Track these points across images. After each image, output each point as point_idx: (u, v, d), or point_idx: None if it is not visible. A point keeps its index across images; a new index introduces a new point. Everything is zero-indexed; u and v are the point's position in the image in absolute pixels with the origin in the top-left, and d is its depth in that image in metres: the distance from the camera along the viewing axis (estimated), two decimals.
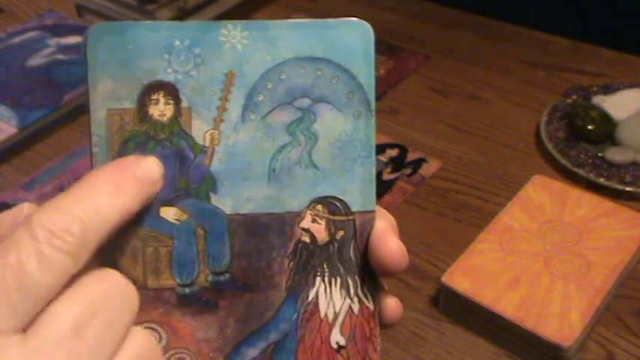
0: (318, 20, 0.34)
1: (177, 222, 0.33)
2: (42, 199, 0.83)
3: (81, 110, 0.97)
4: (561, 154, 0.84)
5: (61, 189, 0.85)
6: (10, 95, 0.98)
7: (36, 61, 1.04)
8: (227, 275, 0.33)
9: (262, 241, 0.33)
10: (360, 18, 0.34)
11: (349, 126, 0.33)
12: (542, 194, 0.76)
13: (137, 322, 0.30)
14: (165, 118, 0.32)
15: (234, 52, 0.33)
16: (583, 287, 0.66)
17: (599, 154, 0.83)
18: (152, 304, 0.33)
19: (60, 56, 1.04)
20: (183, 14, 1.07)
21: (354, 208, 0.34)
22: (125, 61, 0.32)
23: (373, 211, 0.34)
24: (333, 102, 0.33)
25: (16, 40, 1.09)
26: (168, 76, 0.32)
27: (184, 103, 0.32)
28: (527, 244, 0.70)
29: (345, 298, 0.34)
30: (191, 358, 0.33)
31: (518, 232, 0.72)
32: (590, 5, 1.11)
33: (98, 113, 0.32)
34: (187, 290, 0.33)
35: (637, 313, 0.69)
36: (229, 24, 0.33)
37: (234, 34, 0.33)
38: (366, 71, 0.33)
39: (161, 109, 0.32)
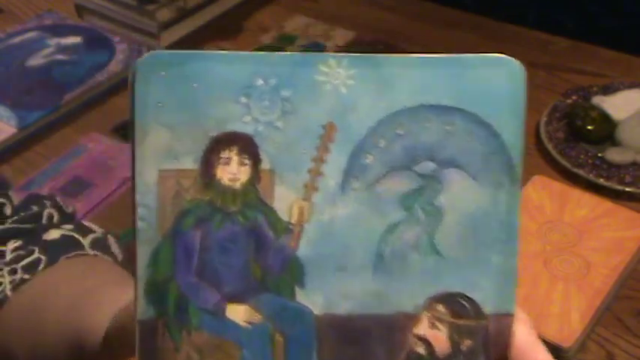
0: (450, 56, 0.27)
1: (248, 325, 0.26)
2: None
3: (81, 110, 0.97)
4: (561, 154, 0.84)
5: (58, 190, 0.85)
6: (10, 95, 0.98)
7: (35, 61, 1.04)
8: None
9: (362, 353, 0.26)
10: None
11: (486, 200, 0.26)
12: (542, 194, 0.76)
13: None
14: (238, 184, 0.25)
15: (336, 96, 0.25)
16: (583, 288, 0.66)
17: (599, 155, 0.83)
18: None
19: (59, 56, 1.04)
20: (183, 15, 1.07)
21: (487, 309, 0.26)
22: (187, 105, 0.25)
23: (512, 315, 0.27)
24: (467, 167, 0.26)
25: (16, 40, 1.09)
26: (246, 127, 0.25)
27: (265, 164, 0.25)
28: (527, 244, 0.70)
29: None
30: None
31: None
32: (590, 5, 1.11)
33: (146, 175, 0.25)
34: None
35: (637, 314, 0.69)
36: (331, 58, 0.25)
37: (337, 72, 0.25)
38: (512, 126, 0.26)
39: (234, 171, 0.25)
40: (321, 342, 0.26)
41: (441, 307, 0.26)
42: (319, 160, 0.25)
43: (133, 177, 0.25)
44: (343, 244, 0.26)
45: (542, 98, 0.94)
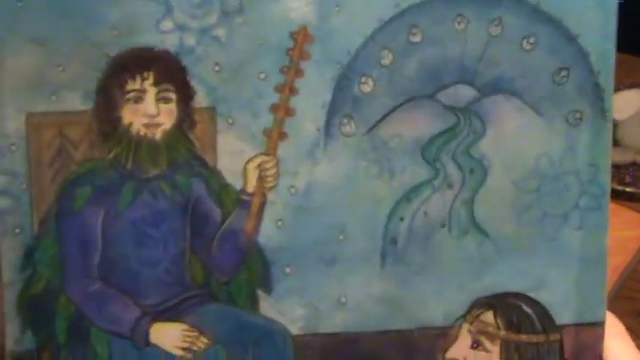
0: None
1: (185, 354, 0.18)
2: None
3: None
4: None
5: None
6: None
7: None
8: None
9: None
10: None
11: (557, 144, 0.18)
12: None
13: None
14: (158, 132, 0.17)
15: None
16: None
17: None
18: None
19: None
20: None
21: (561, 319, 0.18)
22: (68, 4, 0.17)
23: (601, 324, 0.19)
24: (526, 93, 0.18)
25: None
26: (166, 39, 0.17)
27: (201, 100, 0.18)
28: None
29: None
30: None
31: None
32: None
33: (7, 122, 0.17)
34: None
35: (637, 314, 0.69)
36: None
37: None
38: (599, 31, 0.19)
39: (151, 111, 0.17)
40: None
41: (489, 317, 0.18)
42: (287, 90, 0.17)
43: None
44: (331, 224, 0.18)
45: None
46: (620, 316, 0.68)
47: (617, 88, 0.92)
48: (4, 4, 0.17)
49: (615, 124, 0.86)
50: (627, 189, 0.80)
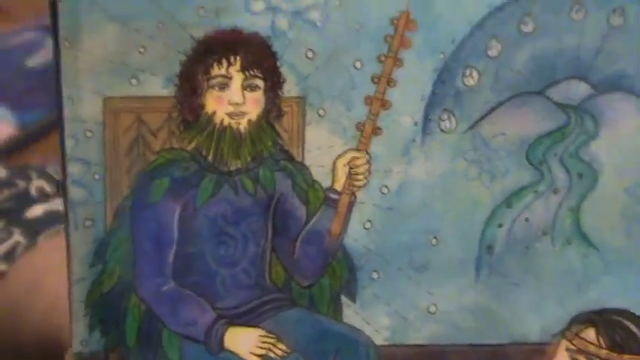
0: None
1: None
2: None
3: None
4: None
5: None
6: (9, 95, 0.97)
7: (35, 61, 1.04)
8: None
9: None
10: None
11: None
12: None
13: None
14: (244, 122, 0.16)
15: None
16: None
17: None
18: None
19: None
20: None
21: None
22: None
23: None
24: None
25: (15, 40, 1.09)
26: (257, 20, 0.16)
27: (291, 88, 0.17)
28: None
29: None
30: None
31: None
32: None
33: (83, 107, 0.17)
34: None
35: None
36: None
37: None
38: None
39: (236, 99, 0.16)
40: None
41: (590, 334, 0.17)
42: (385, 81, 0.16)
43: (59, 113, 0.16)
44: (424, 228, 0.17)
45: None
46: None
47: None
48: None
49: None
50: None
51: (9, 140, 0.91)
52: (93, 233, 0.17)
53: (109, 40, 0.17)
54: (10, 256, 0.45)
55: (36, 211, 0.48)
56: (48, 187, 0.51)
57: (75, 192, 0.18)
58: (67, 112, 0.19)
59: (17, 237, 0.48)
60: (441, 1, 0.16)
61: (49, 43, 1.07)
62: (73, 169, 0.18)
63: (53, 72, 0.20)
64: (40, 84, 0.98)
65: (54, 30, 0.21)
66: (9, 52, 1.06)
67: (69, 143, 0.19)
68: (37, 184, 0.49)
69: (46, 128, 0.93)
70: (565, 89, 0.17)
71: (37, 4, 1.34)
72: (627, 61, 0.17)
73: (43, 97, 0.96)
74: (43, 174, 0.52)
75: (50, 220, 0.49)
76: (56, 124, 0.88)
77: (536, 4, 0.18)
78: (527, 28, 0.17)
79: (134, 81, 0.18)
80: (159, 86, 0.18)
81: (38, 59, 1.03)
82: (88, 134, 0.18)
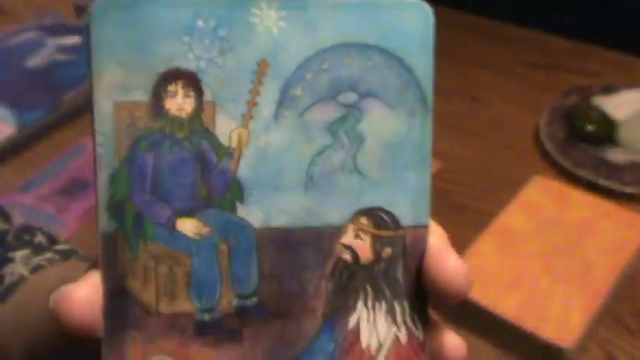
0: (369, 0, 0.29)
1: (196, 236, 0.28)
2: (39, 202, 0.83)
3: (80, 111, 0.97)
4: (561, 154, 0.84)
5: (57, 191, 0.85)
6: (9, 96, 0.98)
7: (35, 61, 1.04)
8: (254, 299, 0.29)
9: (296, 260, 0.29)
10: None
11: (402, 126, 0.29)
12: (542, 195, 0.76)
13: (148, 354, 0.27)
14: (184, 114, 0.28)
15: (268, 36, 0.28)
16: (583, 288, 0.66)
17: (599, 155, 0.83)
18: (166, 333, 0.28)
19: (59, 57, 1.04)
20: None
21: (404, 222, 0.29)
22: (137, 44, 0.27)
23: (426, 227, 0.30)
24: (384, 97, 0.29)
25: (15, 40, 1.09)
26: (189, 64, 0.27)
27: (207, 96, 0.28)
28: (528, 245, 0.70)
29: (390, 327, 0.30)
30: None
31: (519, 234, 0.72)
32: (590, 5, 1.11)
33: (103, 107, 0.27)
34: (207, 317, 0.29)
35: (637, 314, 0.69)
36: (263, 2, 0.28)
37: (268, 14, 0.28)
38: (423, 62, 0.29)
39: (180, 102, 0.28)
40: (261, 251, 0.29)
41: (364, 220, 0.29)
42: (255, 93, 0.28)
43: (91, 109, 0.28)
44: (277, 167, 0.28)
45: (542, 98, 0.94)
46: (620, 316, 0.69)
47: (617, 88, 0.92)
48: (105, 44, 0.27)
49: (615, 124, 0.87)
50: (627, 189, 0.79)
51: (9, 140, 0.91)
52: (110, 171, 0.28)
53: (117, 76, 0.28)
54: None
55: None
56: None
57: (100, 149, 0.28)
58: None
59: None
60: None
61: (48, 43, 1.07)
62: (99, 139, 0.28)
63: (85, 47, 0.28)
64: (40, 84, 0.99)
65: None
66: (9, 52, 1.06)
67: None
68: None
69: (46, 128, 0.94)
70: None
71: (37, 4, 1.34)
72: None
73: (43, 97, 0.97)
74: None
75: None
76: (56, 124, 0.87)
77: None
78: None
79: (128, 94, 0.28)
80: (141, 97, 0.28)
81: (38, 59, 1.04)
82: (107, 124, 0.28)
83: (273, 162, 0.28)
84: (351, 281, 0.29)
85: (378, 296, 0.29)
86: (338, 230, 0.29)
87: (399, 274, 0.29)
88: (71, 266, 0.46)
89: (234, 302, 0.29)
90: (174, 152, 0.28)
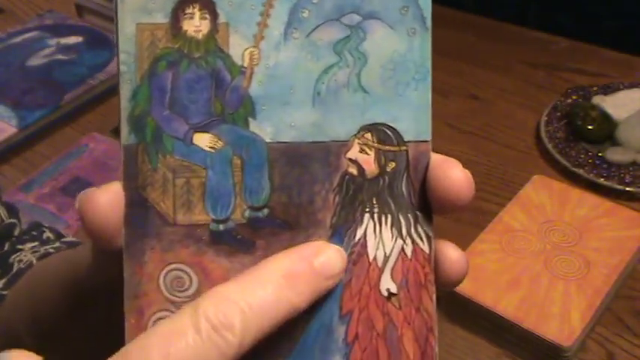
0: None
1: (211, 150, 0.30)
2: (40, 201, 0.83)
3: (81, 110, 0.97)
4: (561, 154, 0.84)
5: (58, 190, 0.85)
6: (10, 95, 0.98)
7: (36, 61, 1.04)
8: (265, 211, 0.30)
9: (305, 173, 0.30)
10: None
11: (402, 45, 0.30)
12: (542, 194, 0.76)
13: (165, 262, 0.29)
14: (200, 35, 0.30)
15: None
16: (583, 287, 0.66)
17: (599, 154, 0.83)
18: (182, 242, 0.30)
19: (60, 56, 1.04)
20: None
21: (407, 138, 0.30)
22: None
23: (428, 142, 0.31)
24: (385, 18, 0.30)
25: (17, 40, 1.09)
26: None
27: (221, 18, 0.30)
28: (528, 244, 0.70)
29: (396, 239, 0.30)
30: None
31: (519, 232, 0.72)
32: (590, 5, 1.11)
33: (127, 28, 0.29)
34: (221, 227, 0.30)
35: (637, 313, 0.69)
36: None
37: None
38: None
39: (196, 24, 0.30)
40: (272, 164, 0.30)
41: (368, 135, 0.30)
42: (265, 15, 0.30)
43: (116, 30, 0.30)
44: (287, 84, 0.30)
45: (542, 98, 0.94)
46: (620, 315, 0.69)
47: (617, 88, 0.93)
48: None
49: (615, 124, 0.87)
50: (627, 189, 0.79)
51: (10, 139, 0.91)
52: (130, 87, 0.30)
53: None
54: None
55: None
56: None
57: (122, 67, 0.30)
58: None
59: None
60: None
61: (49, 43, 1.07)
62: (122, 58, 0.30)
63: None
64: (41, 84, 0.99)
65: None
66: (10, 52, 1.06)
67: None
68: None
69: (47, 128, 0.94)
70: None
71: (39, 4, 1.34)
72: None
73: (44, 96, 0.97)
74: None
75: None
76: (57, 123, 0.87)
77: None
78: None
79: (150, 16, 0.30)
80: (162, 18, 0.30)
81: (39, 59, 1.04)
82: (129, 43, 0.30)
83: (283, 79, 0.30)
84: (357, 194, 0.30)
85: (384, 209, 0.30)
86: (344, 145, 0.30)
87: (404, 188, 0.30)
88: (76, 250, 0.46)
89: (247, 213, 0.30)
90: (191, 70, 0.30)
